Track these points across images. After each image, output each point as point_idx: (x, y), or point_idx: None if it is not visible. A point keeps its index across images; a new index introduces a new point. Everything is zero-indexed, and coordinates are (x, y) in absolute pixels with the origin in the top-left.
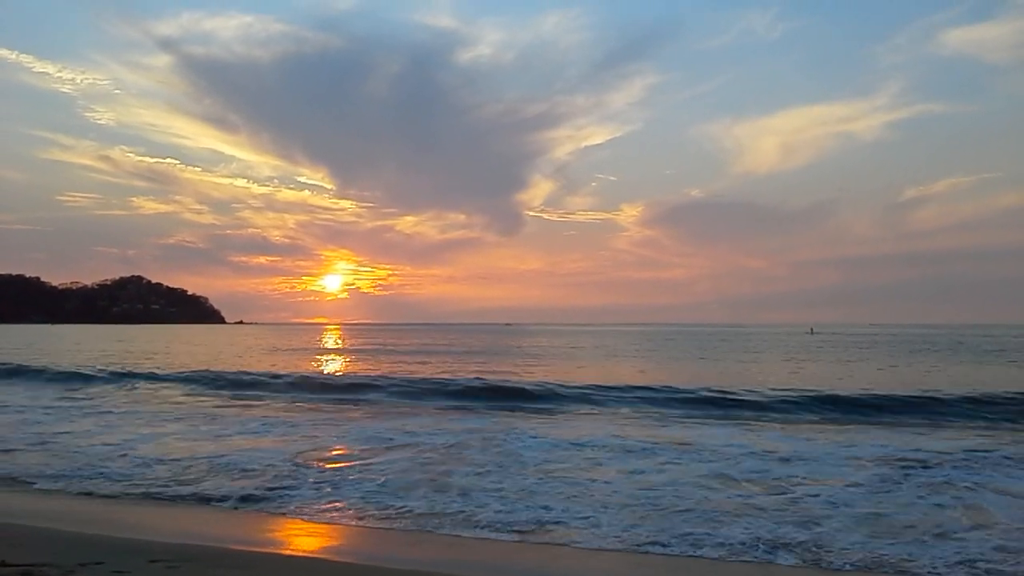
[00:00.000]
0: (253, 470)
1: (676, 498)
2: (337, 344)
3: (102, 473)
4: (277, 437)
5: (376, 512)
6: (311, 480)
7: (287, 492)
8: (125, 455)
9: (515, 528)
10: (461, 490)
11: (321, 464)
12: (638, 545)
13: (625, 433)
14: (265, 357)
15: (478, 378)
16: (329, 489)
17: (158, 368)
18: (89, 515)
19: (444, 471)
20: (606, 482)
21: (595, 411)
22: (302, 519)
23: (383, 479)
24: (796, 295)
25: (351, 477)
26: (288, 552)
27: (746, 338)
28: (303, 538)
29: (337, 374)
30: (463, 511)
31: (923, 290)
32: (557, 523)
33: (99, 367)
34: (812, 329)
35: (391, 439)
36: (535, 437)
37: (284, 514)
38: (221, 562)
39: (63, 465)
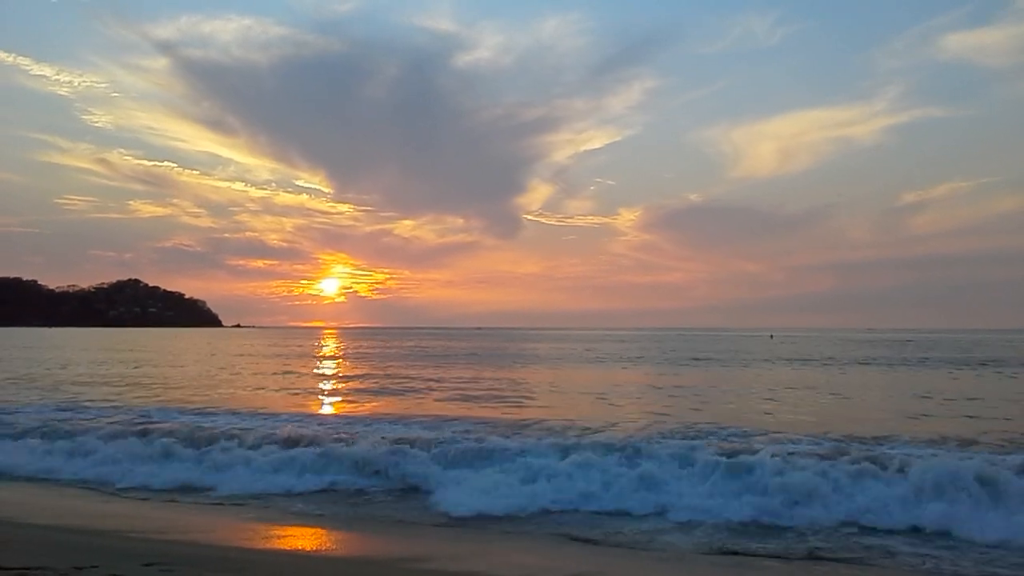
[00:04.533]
0: None
1: None
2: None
3: None
4: None
5: None
6: None
7: None
8: None
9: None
10: None
11: None
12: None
13: None
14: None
15: None
16: None
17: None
18: (84, 516)
19: None
20: None
21: None
22: (299, 520)
23: None
24: (794, 299)
25: None
26: (285, 554)
27: (691, 342)
28: (300, 539)
29: None
30: None
31: (921, 295)
32: None
33: None
34: (772, 335)
35: None
36: None
37: (281, 515)
38: (217, 564)
39: None
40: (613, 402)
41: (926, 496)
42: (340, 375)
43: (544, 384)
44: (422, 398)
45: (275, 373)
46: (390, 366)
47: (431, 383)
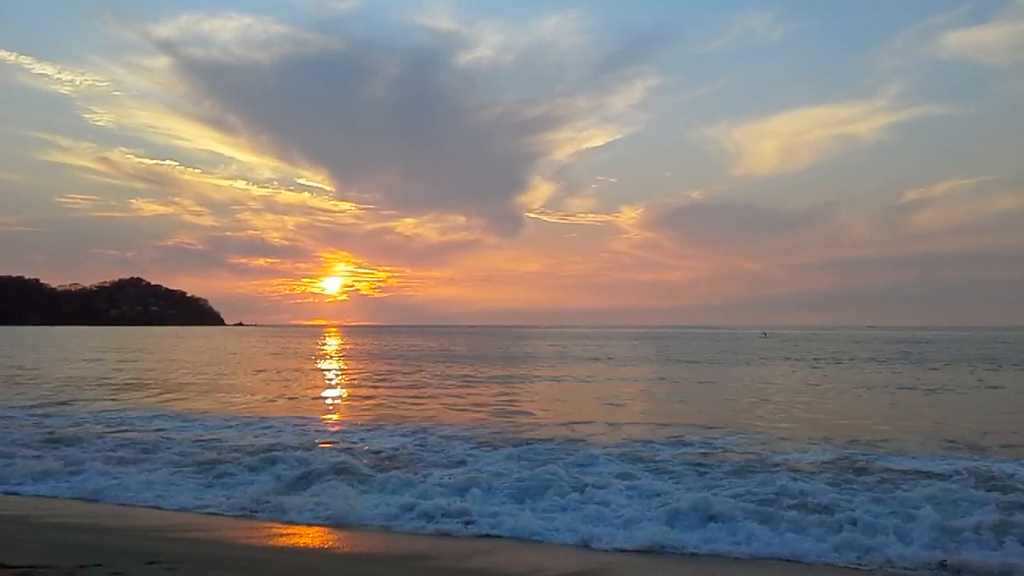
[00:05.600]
0: None
1: None
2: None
3: None
4: None
5: None
6: None
7: None
8: None
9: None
10: None
11: None
12: None
13: None
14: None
15: None
16: None
17: None
18: (88, 515)
19: None
20: None
21: None
22: (302, 519)
23: None
24: (794, 297)
25: None
26: (288, 551)
27: (683, 341)
28: (304, 537)
29: None
30: None
31: (922, 292)
32: None
33: None
34: (765, 333)
35: None
36: None
37: (281, 516)
38: (219, 563)
39: None
40: (573, 407)
41: None
42: (338, 377)
43: (526, 386)
44: (403, 403)
45: (265, 374)
46: (371, 368)
47: (413, 387)
